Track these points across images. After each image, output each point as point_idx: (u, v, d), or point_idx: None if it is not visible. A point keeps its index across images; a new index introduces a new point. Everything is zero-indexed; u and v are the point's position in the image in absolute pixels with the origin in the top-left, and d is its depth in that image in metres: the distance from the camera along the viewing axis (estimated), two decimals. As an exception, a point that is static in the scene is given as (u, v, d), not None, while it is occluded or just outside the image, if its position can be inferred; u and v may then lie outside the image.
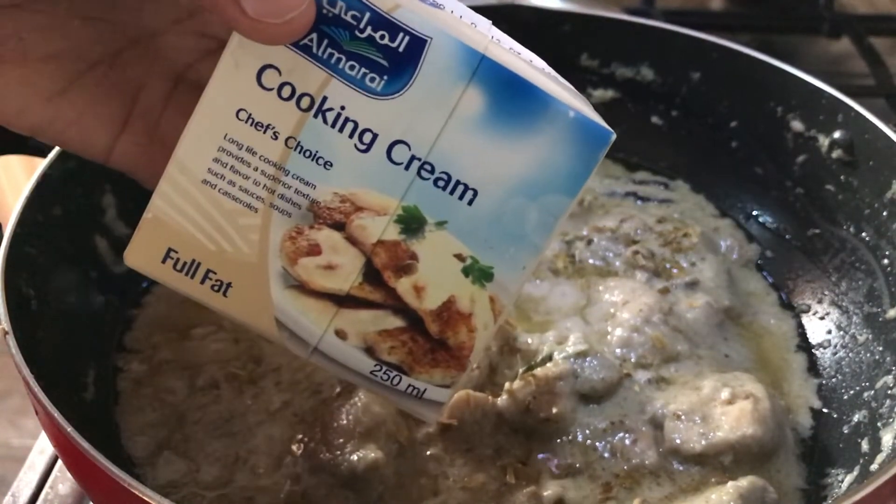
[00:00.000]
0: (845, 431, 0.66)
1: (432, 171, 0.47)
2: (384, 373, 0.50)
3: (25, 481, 0.71)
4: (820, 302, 0.77)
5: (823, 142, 0.80)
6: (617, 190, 0.89)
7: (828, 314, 0.76)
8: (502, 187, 0.47)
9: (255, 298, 0.48)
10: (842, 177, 0.78)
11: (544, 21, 0.90)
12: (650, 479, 0.62)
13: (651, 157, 0.91)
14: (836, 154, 0.79)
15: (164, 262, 0.48)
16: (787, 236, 0.83)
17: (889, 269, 0.72)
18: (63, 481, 0.70)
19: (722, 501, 0.58)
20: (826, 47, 1.21)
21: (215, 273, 0.48)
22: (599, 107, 0.90)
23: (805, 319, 0.77)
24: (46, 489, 0.70)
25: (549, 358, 0.67)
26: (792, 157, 0.83)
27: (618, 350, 0.70)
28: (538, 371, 0.65)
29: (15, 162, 0.78)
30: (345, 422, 0.60)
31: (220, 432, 0.64)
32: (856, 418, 0.66)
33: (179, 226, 0.47)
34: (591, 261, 0.80)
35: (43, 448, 0.73)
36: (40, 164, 0.68)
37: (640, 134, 0.91)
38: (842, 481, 0.63)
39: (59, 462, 0.71)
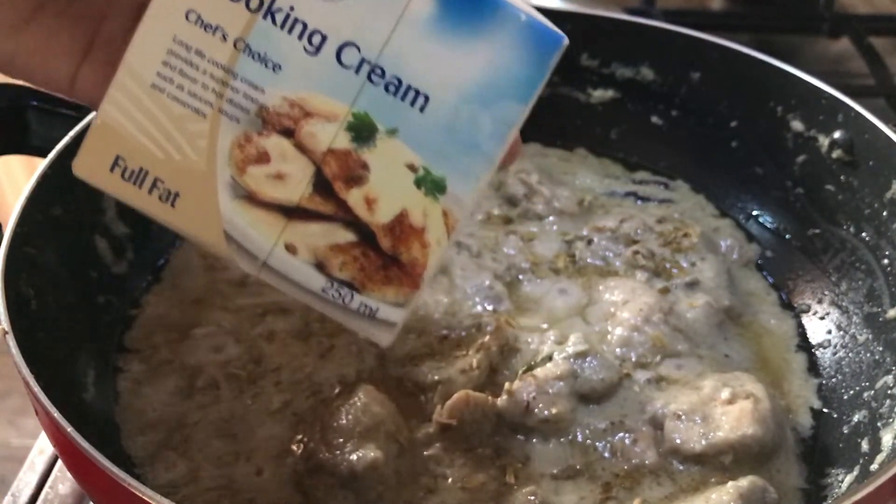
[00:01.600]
0: (845, 431, 0.66)
1: (383, 76, 0.46)
2: (335, 290, 0.49)
3: (25, 481, 0.71)
4: (820, 302, 0.77)
5: (823, 142, 0.80)
6: (617, 190, 0.89)
7: (828, 314, 0.76)
8: (454, 93, 0.46)
9: (204, 209, 0.47)
10: (842, 177, 0.78)
11: (544, 21, 0.90)
12: (650, 479, 0.62)
13: (651, 157, 0.91)
14: (836, 154, 0.79)
15: (112, 170, 0.47)
16: (787, 236, 0.83)
17: (889, 269, 0.72)
18: (63, 481, 0.70)
19: (722, 501, 0.58)
20: (826, 47, 1.21)
21: (163, 182, 0.47)
22: (599, 107, 0.91)
23: (805, 319, 0.77)
24: (46, 489, 0.70)
25: (549, 358, 0.67)
26: (792, 157, 0.83)
27: (618, 350, 0.70)
28: (538, 371, 0.65)
29: (15, 162, 0.78)
30: (344, 421, 0.60)
31: (220, 432, 0.64)
32: (856, 418, 0.66)
33: (128, 132, 0.47)
34: (591, 260, 0.80)
35: (43, 448, 0.73)
36: (40, 164, 0.68)
37: (640, 134, 0.91)
38: (842, 481, 0.63)
39: (59, 462, 0.71)
